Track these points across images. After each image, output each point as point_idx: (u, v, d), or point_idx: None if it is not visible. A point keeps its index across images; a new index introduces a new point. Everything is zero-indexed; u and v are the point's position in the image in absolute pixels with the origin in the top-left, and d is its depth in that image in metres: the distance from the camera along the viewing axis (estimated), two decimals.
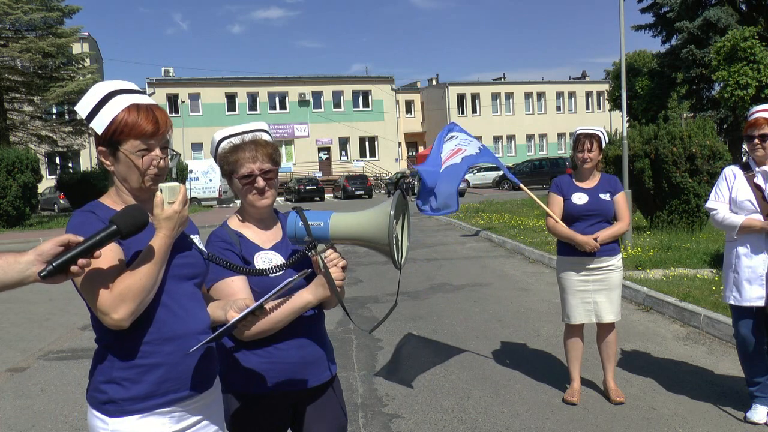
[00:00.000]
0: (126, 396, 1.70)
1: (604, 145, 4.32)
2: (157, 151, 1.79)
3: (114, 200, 1.82)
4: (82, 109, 1.75)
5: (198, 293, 1.89)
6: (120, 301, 1.61)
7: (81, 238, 1.51)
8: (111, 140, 1.75)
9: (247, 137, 2.12)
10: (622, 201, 4.28)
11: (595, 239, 4.13)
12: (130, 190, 1.81)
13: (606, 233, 4.17)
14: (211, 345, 1.91)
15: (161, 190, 1.72)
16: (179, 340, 1.76)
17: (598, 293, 4.23)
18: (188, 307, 1.81)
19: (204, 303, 1.91)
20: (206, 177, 35.21)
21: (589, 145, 4.22)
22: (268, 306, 1.95)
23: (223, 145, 2.13)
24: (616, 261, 4.28)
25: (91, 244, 1.50)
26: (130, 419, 1.70)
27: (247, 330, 1.97)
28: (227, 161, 2.10)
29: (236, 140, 2.12)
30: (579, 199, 4.25)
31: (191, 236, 1.92)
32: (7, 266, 1.47)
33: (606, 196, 4.24)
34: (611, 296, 4.25)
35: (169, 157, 1.83)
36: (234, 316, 1.84)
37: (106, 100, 1.75)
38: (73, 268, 1.48)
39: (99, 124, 1.74)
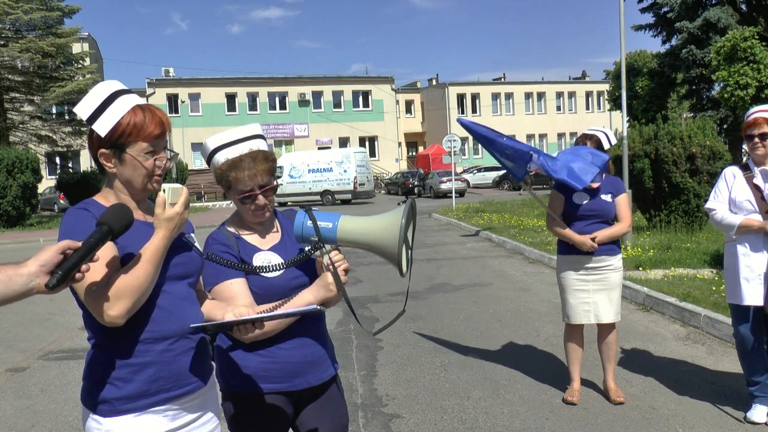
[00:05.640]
0: (118, 395, 1.70)
1: (606, 146, 4.28)
2: (162, 153, 1.79)
3: (107, 199, 1.80)
4: (84, 110, 1.71)
5: (192, 293, 1.89)
6: (116, 299, 1.61)
7: (78, 244, 1.48)
8: (116, 142, 1.73)
9: (245, 150, 2.04)
10: (623, 202, 4.28)
11: (594, 239, 4.13)
12: (131, 191, 1.80)
13: (605, 233, 4.16)
14: (207, 344, 1.91)
15: (164, 190, 1.71)
16: (171, 339, 1.76)
17: (598, 293, 4.23)
18: (182, 306, 1.81)
19: (197, 303, 1.91)
20: (340, 168, 31.82)
21: None
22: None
23: (219, 157, 2.06)
24: (616, 261, 4.27)
25: (89, 248, 1.48)
26: (124, 418, 1.70)
27: (241, 335, 1.93)
28: (225, 177, 2.06)
29: (233, 154, 2.04)
30: (580, 198, 4.25)
31: (188, 234, 1.91)
32: (9, 279, 1.42)
33: (607, 197, 4.23)
34: (611, 296, 4.24)
35: (169, 157, 1.82)
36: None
37: (109, 102, 1.72)
38: (77, 276, 1.46)
39: (103, 126, 1.71)
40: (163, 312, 1.75)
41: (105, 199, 1.81)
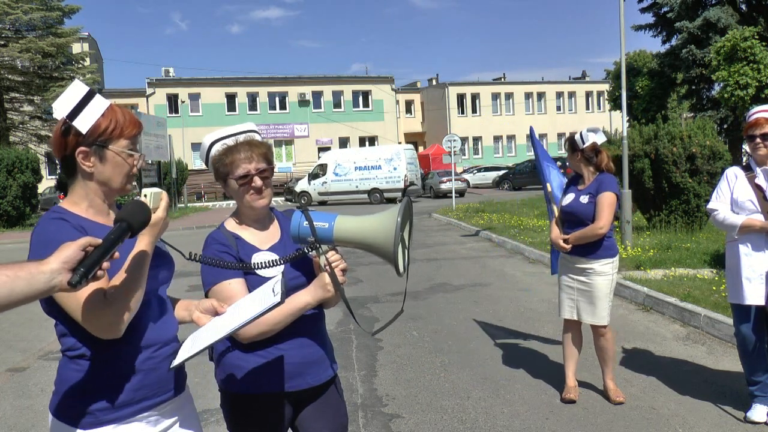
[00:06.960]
0: (103, 406, 1.66)
1: (581, 145, 4.22)
2: (138, 154, 1.78)
3: (79, 206, 1.75)
4: (62, 107, 1.67)
5: (167, 299, 1.88)
6: (118, 309, 1.57)
7: (98, 241, 1.44)
8: (97, 140, 1.70)
9: (241, 138, 2.11)
10: (601, 202, 4.11)
11: (566, 240, 4.24)
12: (106, 193, 1.76)
13: (574, 235, 4.21)
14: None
15: (146, 195, 1.68)
16: (156, 346, 1.75)
17: (581, 294, 4.28)
18: (161, 312, 1.79)
19: (172, 308, 1.89)
20: (390, 165, 30.50)
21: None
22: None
23: (217, 147, 2.12)
24: (599, 266, 4.18)
25: (110, 244, 1.43)
26: (105, 429, 1.66)
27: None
28: (222, 163, 2.09)
29: (229, 141, 2.11)
30: (566, 200, 4.35)
31: (161, 239, 1.90)
32: (31, 277, 1.36)
33: (584, 198, 4.20)
34: (593, 302, 4.22)
35: (143, 159, 1.84)
36: (200, 318, 1.84)
37: (87, 99, 1.69)
38: (99, 273, 1.41)
39: (83, 123, 1.67)
40: (150, 319, 1.74)
41: (76, 205, 1.75)
